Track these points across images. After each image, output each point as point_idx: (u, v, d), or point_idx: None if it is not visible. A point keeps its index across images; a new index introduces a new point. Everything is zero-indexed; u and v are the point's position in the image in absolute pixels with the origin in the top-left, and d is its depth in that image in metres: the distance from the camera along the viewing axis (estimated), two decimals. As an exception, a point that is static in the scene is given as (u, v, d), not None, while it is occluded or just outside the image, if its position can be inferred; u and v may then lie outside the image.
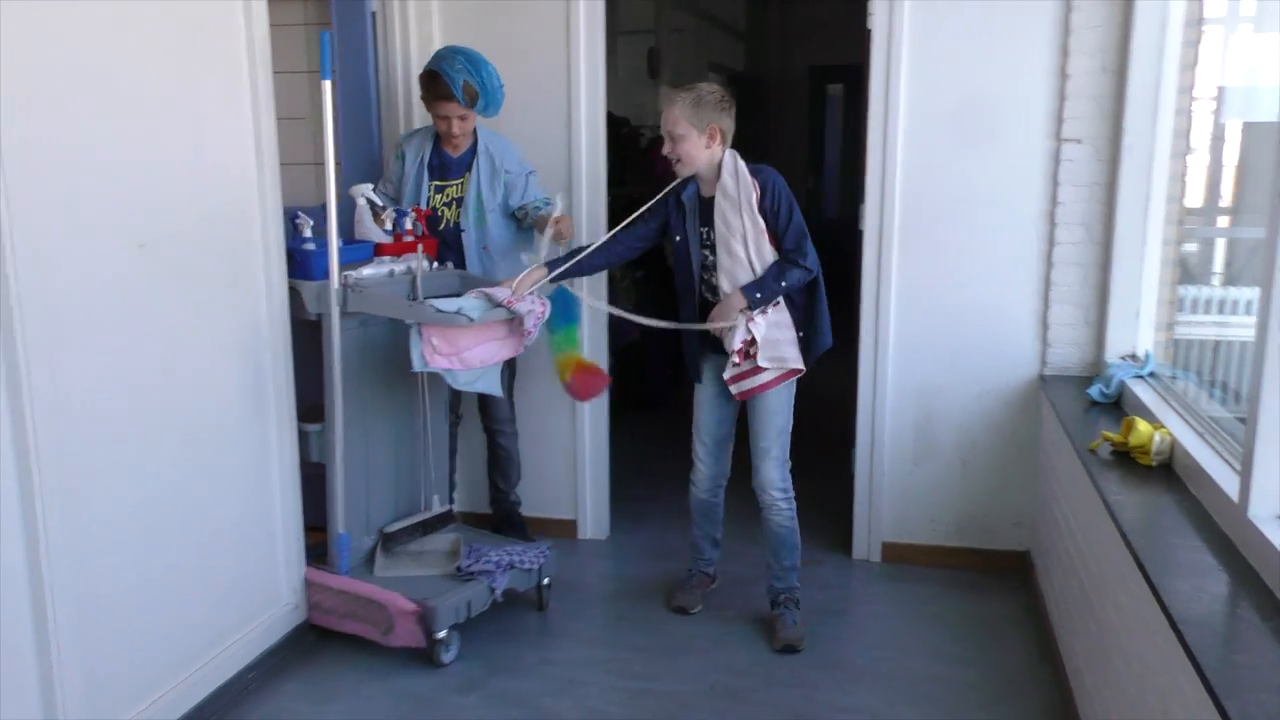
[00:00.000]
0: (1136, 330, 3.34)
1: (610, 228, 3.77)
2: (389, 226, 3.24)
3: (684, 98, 2.91)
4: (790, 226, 2.92)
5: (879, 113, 3.48)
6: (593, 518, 3.97)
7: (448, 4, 3.76)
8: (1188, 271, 3.43)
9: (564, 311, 3.14)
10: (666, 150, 2.97)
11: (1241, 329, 3.15)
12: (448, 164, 3.48)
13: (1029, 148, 3.40)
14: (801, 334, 3.00)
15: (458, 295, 3.07)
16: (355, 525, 3.16)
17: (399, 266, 3.14)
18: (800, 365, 3.01)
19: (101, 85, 2.29)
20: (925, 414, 3.63)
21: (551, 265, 3.07)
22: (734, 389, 3.03)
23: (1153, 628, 1.86)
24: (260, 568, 2.95)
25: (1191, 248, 3.50)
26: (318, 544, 3.17)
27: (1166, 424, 2.56)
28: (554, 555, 3.32)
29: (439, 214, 3.49)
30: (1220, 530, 2.05)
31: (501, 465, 3.75)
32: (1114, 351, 3.36)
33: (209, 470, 2.70)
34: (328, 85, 2.91)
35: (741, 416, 3.19)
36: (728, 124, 2.94)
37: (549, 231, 3.16)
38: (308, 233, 3.01)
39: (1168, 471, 2.44)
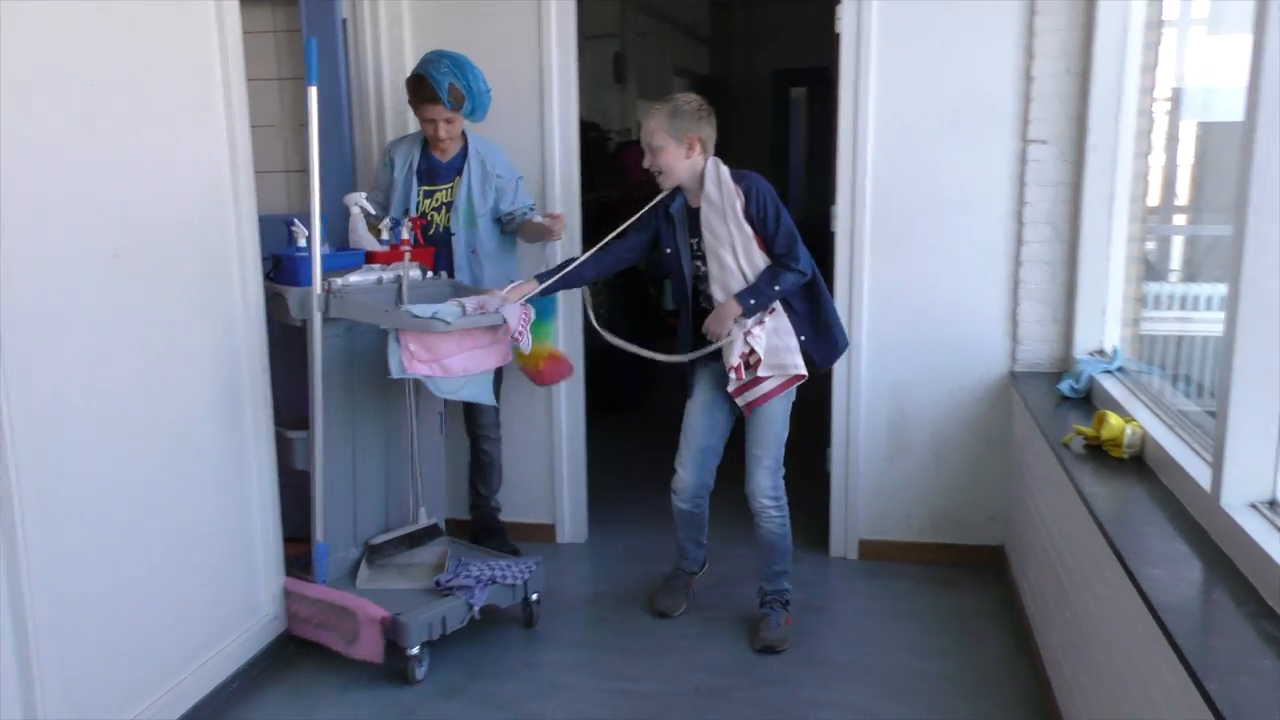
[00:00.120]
0: (1103, 326, 3.41)
1: (583, 231, 3.80)
2: (385, 236, 3.23)
3: (660, 109, 2.92)
4: (779, 231, 2.89)
5: (849, 115, 3.53)
6: (571, 522, 3.97)
7: (419, 8, 3.76)
8: (1152, 268, 3.51)
9: (541, 307, 3.16)
10: (647, 163, 2.97)
11: (1203, 324, 3.22)
12: (436, 169, 3.48)
13: (996, 149, 3.47)
14: (803, 337, 2.97)
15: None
16: (341, 536, 3.14)
17: (388, 274, 3.12)
18: (802, 371, 2.97)
19: (75, 94, 2.27)
20: (899, 412, 3.68)
21: (542, 277, 3.08)
22: (739, 401, 3.02)
23: (1131, 616, 1.91)
24: (240, 577, 2.93)
25: (1150, 245, 3.57)
26: (303, 554, 3.14)
27: (1136, 417, 2.62)
28: (542, 570, 3.24)
29: (428, 219, 3.48)
30: (1193, 519, 2.10)
31: (484, 471, 3.74)
32: (1082, 347, 3.42)
33: (186, 479, 2.68)
34: (314, 91, 2.90)
35: (736, 425, 3.18)
36: (707, 133, 2.94)
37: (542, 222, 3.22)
38: (303, 240, 3.00)
39: (1139, 464, 2.50)
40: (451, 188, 3.48)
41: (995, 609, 3.37)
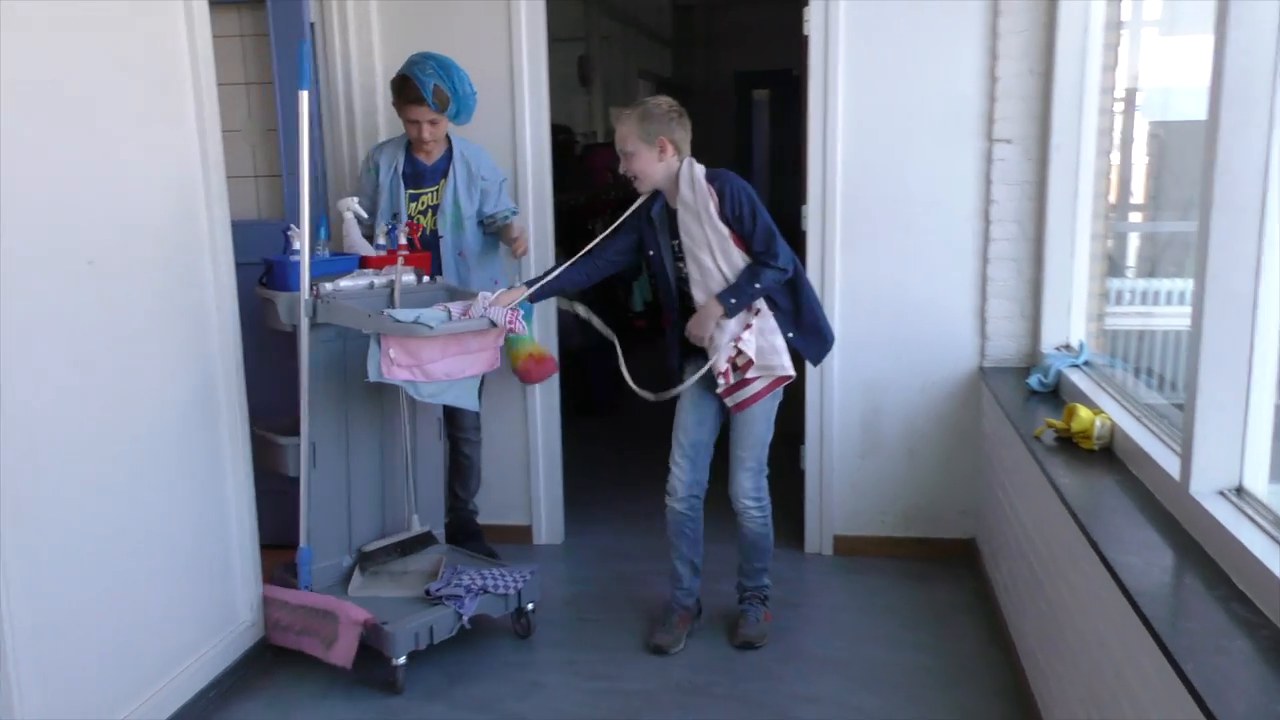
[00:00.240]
0: (1069, 322, 3.47)
1: (555, 233, 3.81)
2: (381, 241, 3.22)
3: (630, 114, 2.92)
4: (757, 228, 2.87)
5: (818, 116, 3.57)
6: (548, 523, 3.98)
7: (387, 11, 3.75)
8: (1114, 265, 3.59)
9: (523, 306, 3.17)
10: (622, 169, 2.97)
11: (1164, 319, 3.30)
12: (421, 171, 3.47)
13: (963, 148, 3.53)
14: (790, 335, 2.97)
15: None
16: (334, 543, 3.11)
17: (380, 279, 3.11)
18: (789, 372, 2.96)
19: (45, 100, 2.24)
20: (871, 408, 3.73)
21: (531, 282, 3.07)
22: (728, 401, 3.00)
23: (1107, 603, 1.95)
24: (216, 584, 2.90)
25: (1111, 242, 3.65)
26: (291, 563, 3.10)
27: (1104, 410, 2.68)
28: (537, 579, 3.19)
29: (415, 222, 3.47)
30: (1163, 508, 2.16)
31: (463, 473, 3.73)
32: (1049, 342, 3.49)
33: (161, 486, 2.66)
34: (304, 95, 2.89)
35: (724, 425, 3.17)
36: (680, 134, 2.93)
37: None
38: (298, 245, 2.97)
39: (1109, 455, 2.56)
40: (437, 190, 3.47)
41: (969, 602, 3.42)
